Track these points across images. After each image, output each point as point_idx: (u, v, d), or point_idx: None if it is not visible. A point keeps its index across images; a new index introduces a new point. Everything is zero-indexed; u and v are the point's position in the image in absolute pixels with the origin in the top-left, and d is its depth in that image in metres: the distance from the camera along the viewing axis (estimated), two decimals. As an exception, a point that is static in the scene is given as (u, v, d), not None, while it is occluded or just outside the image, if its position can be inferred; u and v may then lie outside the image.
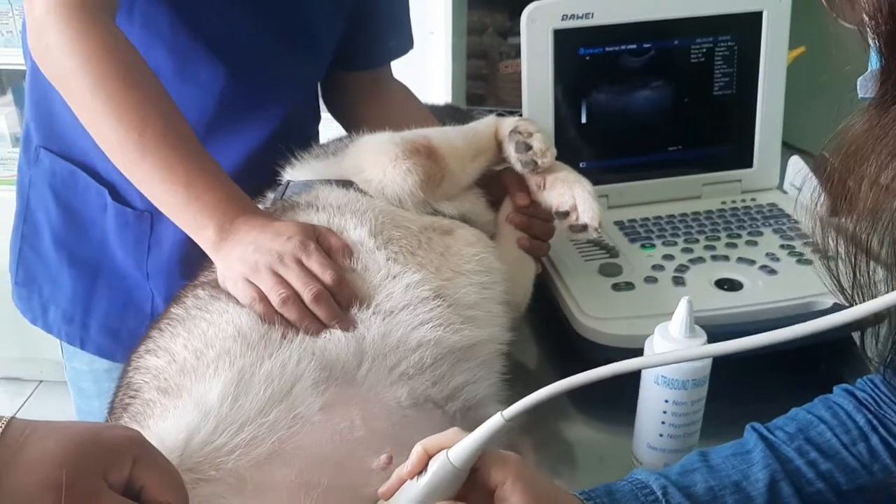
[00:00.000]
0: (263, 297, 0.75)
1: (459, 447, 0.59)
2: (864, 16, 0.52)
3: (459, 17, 2.33)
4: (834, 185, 0.59)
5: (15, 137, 2.45)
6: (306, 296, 0.74)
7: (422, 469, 0.61)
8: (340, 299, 0.75)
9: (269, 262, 0.76)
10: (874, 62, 0.57)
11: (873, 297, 0.60)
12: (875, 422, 0.71)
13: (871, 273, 0.60)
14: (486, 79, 2.75)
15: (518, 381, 1.01)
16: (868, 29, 0.53)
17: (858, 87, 0.59)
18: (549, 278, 1.05)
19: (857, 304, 0.60)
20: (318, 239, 0.80)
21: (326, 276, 0.75)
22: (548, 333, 1.06)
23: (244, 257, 0.78)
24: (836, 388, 0.76)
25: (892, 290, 0.59)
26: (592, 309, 0.97)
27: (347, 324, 0.74)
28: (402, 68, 1.25)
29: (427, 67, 2.18)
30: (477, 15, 2.65)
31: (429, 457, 0.61)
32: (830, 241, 0.62)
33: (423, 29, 2.07)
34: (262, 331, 0.72)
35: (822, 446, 0.70)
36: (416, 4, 2.05)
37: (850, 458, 0.69)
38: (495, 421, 0.57)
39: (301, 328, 0.73)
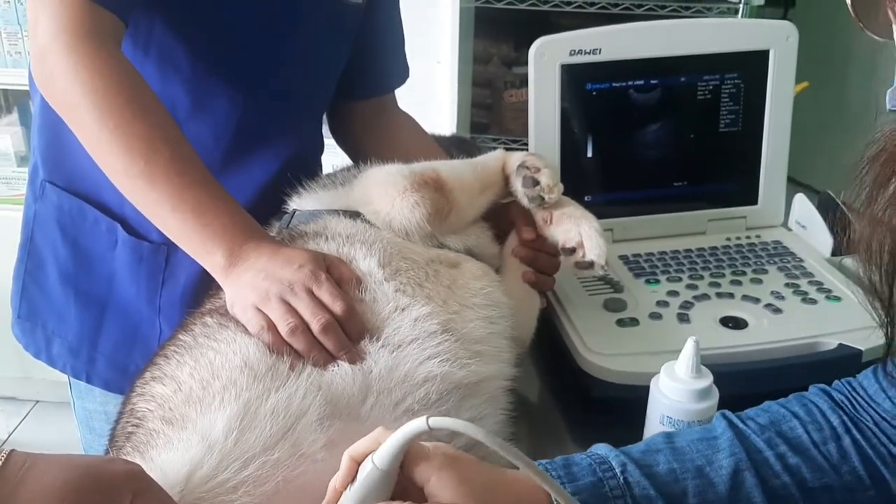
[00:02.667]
0: (272, 326, 0.75)
1: (382, 449, 0.57)
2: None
3: (465, 46, 2.35)
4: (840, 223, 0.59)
5: (20, 157, 2.46)
6: (315, 326, 0.74)
7: (353, 478, 0.59)
8: (349, 330, 0.75)
9: (280, 290, 0.76)
10: None
11: None
12: (849, 423, 0.70)
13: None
14: (490, 108, 2.76)
15: (521, 417, 1.01)
16: None
17: (887, 100, 0.59)
18: (554, 312, 1.04)
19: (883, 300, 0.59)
20: (329, 268, 0.80)
21: (336, 307, 0.75)
22: (552, 368, 1.06)
23: (254, 284, 0.78)
24: (812, 387, 0.76)
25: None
26: (597, 345, 0.96)
27: (355, 356, 0.74)
28: (407, 95, 1.26)
29: (433, 95, 2.19)
30: (482, 44, 2.68)
31: (357, 464, 0.59)
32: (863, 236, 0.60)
33: (430, 58, 2.09)
34: (269, 362, 0.72)
35: (793, 441, 0.69)
36: (422, 33, 2.07)
37: (820, 457, 0.68)
38: (418, 423, 0.55)
39: (309, 359, 0.73)
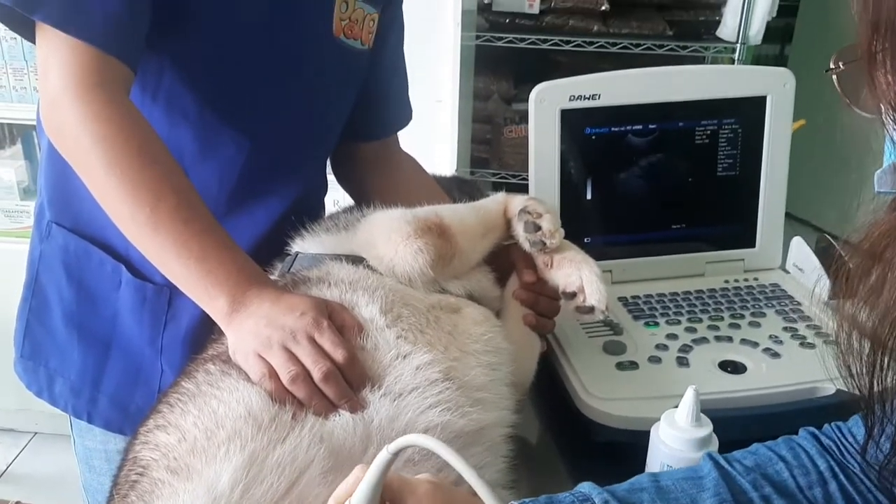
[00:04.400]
0: (273, 374, 0.76)
1: (357, 493, 0.58)
2: (884, 106, 0.53)
3: (466, 83, 2.38)
4: (841, 268, 0.60)
5: (23, 189, 2.48)
6: (316, 374, 0.75)
7: None
8: (351, 379, 0.76)
9: (281, 337, 0.77)
10: (891, 155, 0.58)
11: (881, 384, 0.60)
12: (836, 468, 0.70)
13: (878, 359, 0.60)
14: (490, 143, 2.79)
15: (522, 460, 1.01)
16: (889, 119, 0.54)
17: (875, 182, 0.60)
18: (554, 355, 1.05)
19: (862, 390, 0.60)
20: (331, 315, 0.81)
21: (338, 355, 0.76)
22: (552, 411, 1.06)
23: (257, 331, 0.79)
24: (801, 431, 0.76)
25: None
26: (596, 389, 0.97)
27: (356, 404, 0.74)
28: (409, 130, 1.27)
29: (435, 130, 2.22)
30: (483, 82, 2.71)
31: None
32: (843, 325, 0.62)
33: (431, 97, 2.12)
34: (272, 412, 0.72)
35: (778, 484, 0.69)
36: (424, 72, 2.09)
37: (805, 501, 0.68)
38: (382, 458, 0.57)
39: (310, 407, 0.74)
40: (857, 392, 0.61)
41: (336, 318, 0.80)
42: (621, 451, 0.89)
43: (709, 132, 1.16)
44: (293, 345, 0.76)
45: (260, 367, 0.76)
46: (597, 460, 0.97)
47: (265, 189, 1.03)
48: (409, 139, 1.27)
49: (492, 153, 2.80)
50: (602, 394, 0.96)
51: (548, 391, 1.04)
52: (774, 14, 2.42)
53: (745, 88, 1.16)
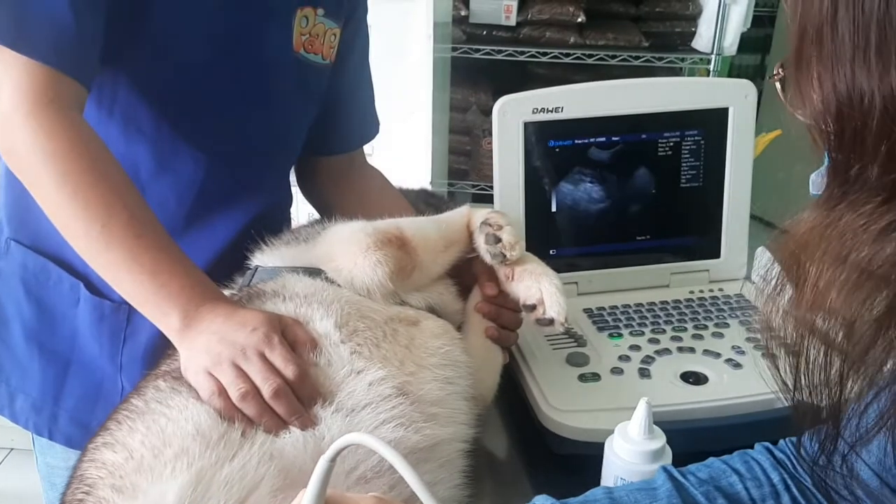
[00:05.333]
0: (223, 391, 0.75)
1: None
2: (812, 115, 0.54)
3: (442, 95, 2.39)
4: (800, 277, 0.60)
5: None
6: (266, 391, 0.74)
7: None
8: (302, 395, 0.75)
9: (232, 354, 0.77)
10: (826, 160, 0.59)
11: (829, 396, 0.60)
12: (790, 481, 0.71)
13: (827, 369, 0.61)
14: (469, 154, 2.80)
15: (487, 475, 1.01)
16: (816, 127, 0.54)
17: (811, 184, 0.60)
18: (517, 367, 1.05)
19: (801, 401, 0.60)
20: (284, 331, 0.80)
21: (288, 371, 0.75)
22: (517, 424, 1.06)
23: (208, 348, 0.78)
24: (757, 445, 0.76)
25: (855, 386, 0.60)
26: (558, 401, 0.97)
27: (307, 421, 0.74)
28: (384, 144, 1.27)
29: (410, 143, 2.22)
30: (461, 93, 2.72)
31: None
32: (793, 334, 0.62)
33: (406, 109, 2.12)
34: (221, 430, 0.71)
35: (731, 496, 0.70)
36: (400, 84, 2.10)
37: None
38: (321, 467, 0.57)
39: (260, 425, 0.73)
40: (802, 403, 0.61)
41: (289, 334, 0.80)
42: (584, 464, 0.89)
43: (672, 144, 1.17)
44: (243, 361, 0.76)
45: (209, 384, 0.76)
46: (560, 473, 0.97)
47: (224, 204, 1.03)
48: (384, 152, 1.28)
49: (471, 165, 2.81)
50: (563, 406, 0.96)
51: (514, 404, 1.04)
52: (749, 25, 2.44)
53: (707, 100, 1.16)
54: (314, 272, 0.91)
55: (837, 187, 0.54)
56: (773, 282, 0.60)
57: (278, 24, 1.03)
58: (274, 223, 1.09)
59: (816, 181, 0.57)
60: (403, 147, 2.10)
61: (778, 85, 0.59)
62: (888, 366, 0.54)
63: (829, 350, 0.57)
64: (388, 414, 0.75)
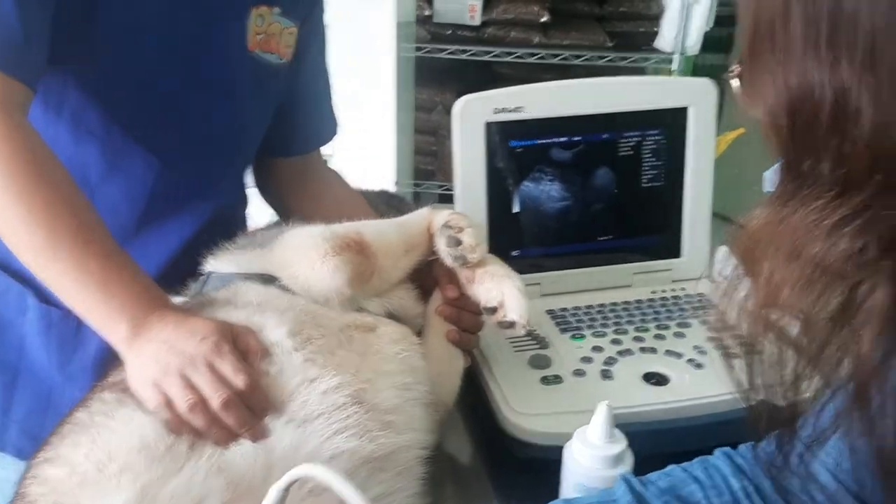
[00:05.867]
0: (170, 403, 0.73)
1: None
2: (766, 110, 0.54)
3: (406, 94, 2.37)
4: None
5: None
6: (215, 402, 0.72)
7: None
8: (252, 406, 0.73)
9: (180, 364, 0.74)
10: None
11: (784, 395, 0.60)
12: (750, 489, 0.70)
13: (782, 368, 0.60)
14: (435, 154, 2.79)
15: (447, 478, 0.99)
16: (770, 122, 0.54)
17: (765, 181, 0.60)
18: (479, 370, 1.04)
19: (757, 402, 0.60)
20: (235, 339, 0.78)
21: (238, 381, 0.73)
22: (479, 427, 1.04)
23: (156, 358, 0.76)
24: (716, 451, 0.76)
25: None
26: (519, 404, 0.96)
27: (258, 432, 0.72)
28: (349, 144, 1.25)
29: (376, 144, 2.21)
30: (426, 93, 2.71)
31: None
32: (749, 332, 0.61)
33: (370, 110, 2.10)
34: (168, 442, 0.69)
35: None
36: (364, 85, 2.08)
37: None
38: (273, 497, 0.55)
39: (209, 437, 0.71)
40: (758, 403, 0.60)
41: (240, 343, 0.77)
42: (547, 468, 0.88)
43: (633, 144, 1.16)
44: (192, 372, 0.74)
45: (156, 396, 0.73)
46: (523, 477, 0.96)
47: (177, 207, 1.00)
48: (348, 152, 1.26)
49: (437, 165, 2.79)
50: (525, 409, 0.95)
51: (476, 407, 1.03)
52: (711, 25, 2.46)
53: (666, 100, 1.16)
54: (268, 279, 0.89)
55: (790, 183, 0.53)
56: (729, 279, 0.59)
57: (232, 22, 1.01)
58: (229, 226, 1.06)
59: (771, 178, 0.56)
60: (368, 148, 2.08)
61: (735, 82, 0.59)
62: (843, 364, 0.53)
63: (784, 348, 0.56)
64: (342, 423, 0.73)
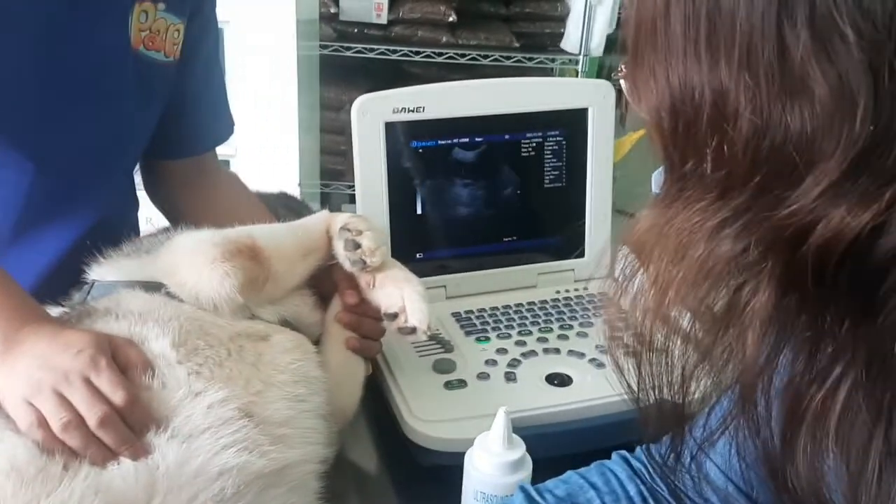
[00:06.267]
0: (44, 422, 0.68)
1: None
2: (649, 110, 0.53)
3: (309, 93, 2.32)
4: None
5: None
6: (91, 420, 0.67)
7: None
8: (132, 422, 0.69)
9: (54, 380, 0.69)
10: None
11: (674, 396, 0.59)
12: (645, 492, 0.71)
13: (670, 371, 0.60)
14: (343, 154, 2.74)
15: (351, 488, 0.97)
16: (653, 123, 0.54)
17: (653, 183, 0.60)
18: (382, 377, 1.01)
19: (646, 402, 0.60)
20: (115, 352, 0.73)
21: (116, 397, 0.69)
22: (383, 435, 1.02)
23: (28, 374, 0.70)
24: (614, 454, 0.76)
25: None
26: (422, 411, 0.94)
27: (139, 451, 0.67)
28: (251, 145, 1.21)
29: (278, 144, 2.15)
30: (333, 92, 2.66)
31: None
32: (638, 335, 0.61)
33: (271, 109, 2.05)
34: (40, 464, 0.64)
35: None
36: (265, 84, 2.03)
37: None
38: None
39: (85, 457, 0.66)
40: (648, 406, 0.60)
41: (120, 356, 0.73)
42: (452, 475, 0.86)
43: (534, 144, 1.16)
44: (66, 388, 0.69)
45: (29, 414, 0.68)
46: (429, 485, 0.94)
47: (57, 214, 0.94)
48: (249, 153, 1.21)
49: (347, 164, 2.75)
50: (428, 416, 0.93)
51: (380, 415, 1.01)
52: (614, 26, 2.50)
53: (567, 100, 1.16)
54: (153, 287, 0.84)
55: (673, 184, 0.53)
56: (618, 280, 0.59)
57: (113, 19, 0.95)
58: (117, 232, 1.00)
59: (657, 179, 0.56)
60: (272, 148, 2.03)
61: (623, 83, 0.58)
62: (730, 366, 0.54)
63: (674, 348, 0.56)
64: (230, 438, 0.69)
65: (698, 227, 0.49)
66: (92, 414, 0.67)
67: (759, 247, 0.48)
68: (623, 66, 0.57)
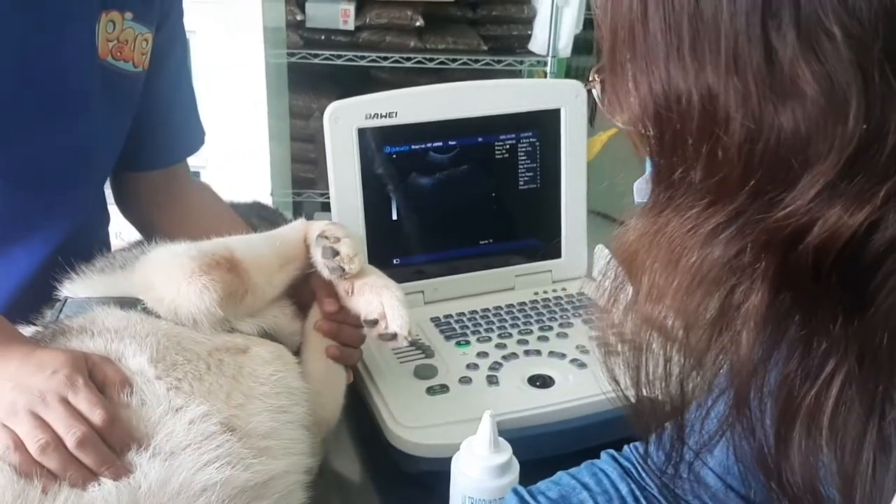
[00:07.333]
0: (20, 444, 0.66)
1: None
2: (631, 119, 0.52)
3: (278, 101, 2.31)
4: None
5: None
6: (70, 441, 0.66)
7: None
8: (112, 442, 0.67)
9: (29, 402, 0.68)
10: (648, 166, 0.58)
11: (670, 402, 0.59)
12: (637, 491, 0.71)
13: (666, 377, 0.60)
14: (315, 162, 2.73)
15: (334, 497, 0.96)
16: (636, 132, 0.53)
17: (635, 192, 0.59)
18: (363, 385, 1.00)
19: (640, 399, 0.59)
20: (91, 370, 0.72)
21: (95, 417, 0.67)
22: (366, 443, 1.01)
23: (1, 396, 0.69)
24: (603, 454, 0.76)
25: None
26: (405, 417, 0.93)
27: (120, 470, 0.66)
28: (221, 155, 1.19)
29: (248, 153, 2.13)
30: (302, 100, 2.65)
31: None
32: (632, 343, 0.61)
33: (240, 118, 2.03)
34: (17, 489, 0.63)
35: None
36: (233, 93, 2.01)
37: None
38: None
39: (65, 479, 0.65)
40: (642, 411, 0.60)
41: (97, 374, 0.71)
42: (437, 481, 0.85)
43: (508, 146, 1.16)
44: (42, 409, 0.67)
45: (4, 437, 0.66)
46: (413, 492, 0.94)
47: (24, 230, 0.92)
48: (220, 164, 1.20)
49: (318, 173, 2.73)
50: (411, 422, 0.93)
51: (363, 423, 1.00)
52: (581, 27, 2.52)
53: (539, 102, 1.17)
54: (129, 303, 0.82)
55: (662, 192, 0.52)
56: (613, 282, 0.59)
57: (79, 29, 0.93)
58: (87, 247, 0.98)
59: (641, 188, 0.56)
60: (242, 158, 2.01)
61: (595, 91, 0.57)
62: (724, 368, 0.53)
63: (670, 351, 0.56)
64: (212, 453, 0.68)
65: (692, 235, 0.49)
66: (70, 434, 0.66)
67: (752, 249, 0.47)
68: (595, 75, 0.57)
